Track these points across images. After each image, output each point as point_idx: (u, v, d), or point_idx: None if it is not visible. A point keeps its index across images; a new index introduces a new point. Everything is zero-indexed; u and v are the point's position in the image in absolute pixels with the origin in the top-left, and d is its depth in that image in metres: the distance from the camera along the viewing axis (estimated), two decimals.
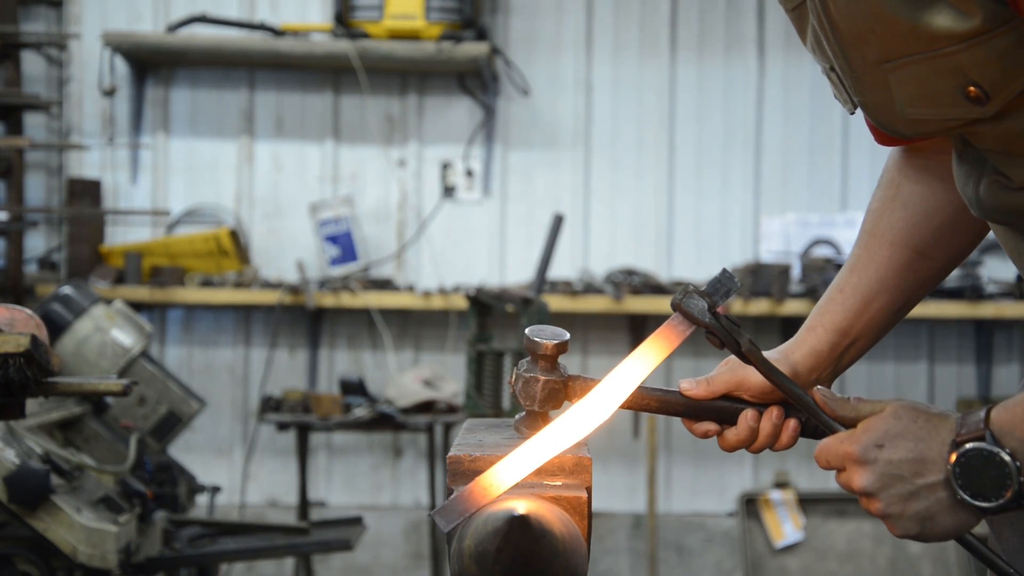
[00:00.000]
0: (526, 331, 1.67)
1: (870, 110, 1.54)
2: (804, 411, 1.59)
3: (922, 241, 1.79)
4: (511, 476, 1.44)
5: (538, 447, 1.46)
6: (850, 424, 1.53)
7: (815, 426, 1.71)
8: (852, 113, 1.61)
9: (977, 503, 1.44)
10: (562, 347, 1.64)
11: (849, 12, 1.42)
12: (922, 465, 1.46)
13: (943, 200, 1.78)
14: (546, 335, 1.64)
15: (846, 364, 1.81)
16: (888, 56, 1.43)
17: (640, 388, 1.62)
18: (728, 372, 1.71)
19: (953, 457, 1.44)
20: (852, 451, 1.50)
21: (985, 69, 1.38)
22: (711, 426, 1.71)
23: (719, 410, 1.71)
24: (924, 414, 1.49)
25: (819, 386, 1.59)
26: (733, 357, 1.69)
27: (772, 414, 1.70)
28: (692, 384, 1.71)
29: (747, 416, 1.69)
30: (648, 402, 1.69)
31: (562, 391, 1.63)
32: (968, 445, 1.43)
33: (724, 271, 1.59)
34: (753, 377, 1.69)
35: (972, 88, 1.39)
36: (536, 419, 1.64)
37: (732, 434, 1.71)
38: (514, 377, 1.66)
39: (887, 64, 1.44)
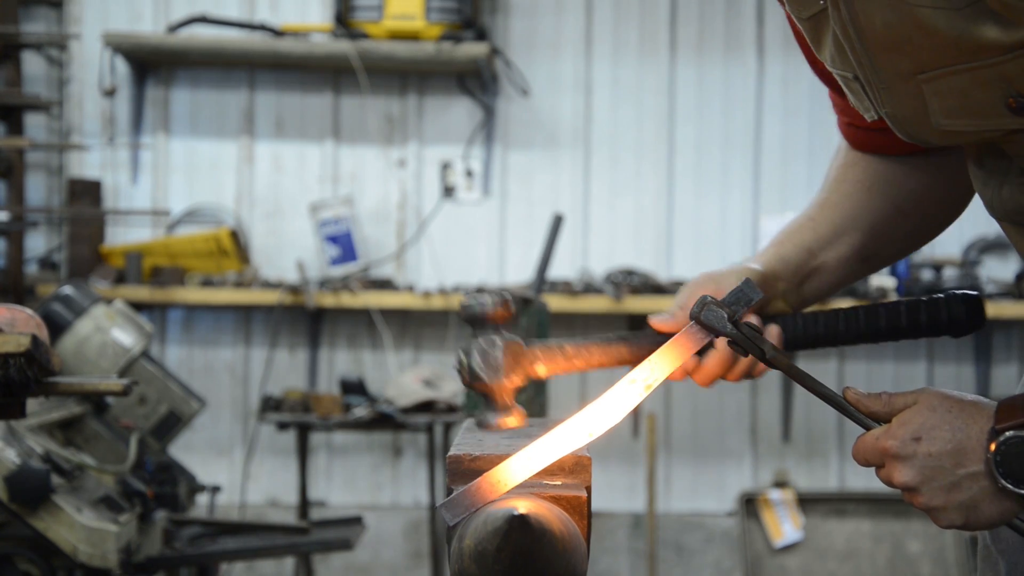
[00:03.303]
0: (461, 302, 1.55)
1: (898, 121, 1.50)
2: (837, 410, 1.56)
3: (899, 195, 1.75)
4: (520, 473, 1.44)
5: (548, 445, 1.46)
6: (884, 419, 1.51)
7: (798, 336, 1.66)
8: (869, 120, 1.59)
9: (1020, 490, 1.42)
10: (507, 306, 1.54)
11: (884, 22, 1.38)
12: (962, 455, 1.44)
13: (915, 168, 1.75)
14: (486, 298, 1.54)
15: (808, 295, 1.75)
16: (924, 67, 1.39)
17: (601, 346, 1.56)
18: (698, 292, 1.64)
19: (993, 446, 1.42)
20: (890, 447, 1.47)
21: None
22: (681, 370, 1.64)
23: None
24: (959, 403, 1.47)
25: (850, 386, 1.56)
26: (703, 273, 1.65)
27: (748, 323, 1.62)
28: (664, 318, 1.64)
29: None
30: (614, 356, 1.59)
31: (524, 355, 1.54)
32: (1008, 433, 1.42)
33: (747, 281, 1.56)
34: (726, 283, 1.64)
35: (1012, 100, 1.37)
36: (503, 398, 1.55)
37: (711, 359, 1.64)
38: (463, 357, 1.53)
39: (922, 75, 1.40)
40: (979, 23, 1.32)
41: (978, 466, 1.43)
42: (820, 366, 5.88)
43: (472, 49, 5.53)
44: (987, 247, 5.76)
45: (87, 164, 5.91)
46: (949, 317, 1.70)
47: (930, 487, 1.46)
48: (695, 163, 5.97)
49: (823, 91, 1.77)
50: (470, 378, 1.54)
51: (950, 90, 1.40)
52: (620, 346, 1.61)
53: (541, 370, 1.59)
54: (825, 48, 1.53)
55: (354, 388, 5.30)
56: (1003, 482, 1.42)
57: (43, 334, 2.64)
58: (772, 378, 5.91)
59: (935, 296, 1.71)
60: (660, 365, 1.53)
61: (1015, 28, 1.31)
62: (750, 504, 5.78)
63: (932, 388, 1.50)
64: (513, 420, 1.51)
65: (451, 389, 5.26)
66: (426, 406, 5.20)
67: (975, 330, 1.72)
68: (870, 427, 1.52)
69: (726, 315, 1.54)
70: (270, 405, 5.23)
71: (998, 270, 5.74)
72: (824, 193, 1.79)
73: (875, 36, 1.41)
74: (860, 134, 1.74)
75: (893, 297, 5.53)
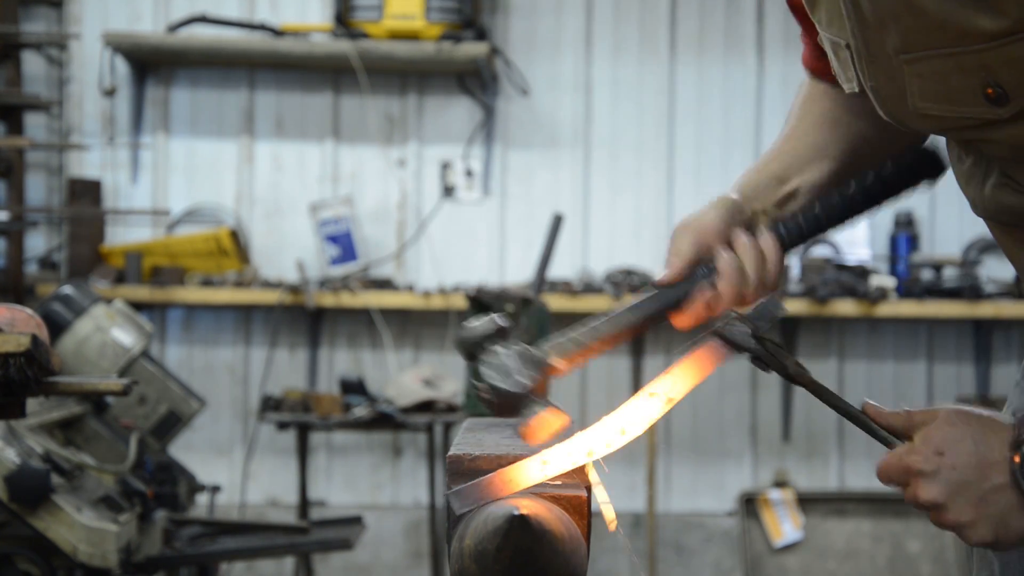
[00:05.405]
0: (457, 335, 1.55)
1: (879, 97, 1.51)
2: (857, 425, 1.54)
3: (864, 126, 1.75)
4: (535, 476, 1.43)
5: (566, 453, 1.45)
6: (903, 435, 1.49)
7: (797, 234, 1.68)
8: (848, 92, 1.59)
9: None
10: (505, 328, 1.57)
11: None
12: (987, 468, 1.41)
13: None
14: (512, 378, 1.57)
15: (788, 209, 1.77)
16: (909, 47, 1.41)
17: (610, 323, 1.59)
18: (684, 235, 1.67)
19: (1017, 458, 1.40)
20: (913, 463, 1.45)
21: (1010, 70, 1.36)
22: (698, 307, 1.67)
23: (696, 280, 1.66)
24: (977, 417, 1.45)
25: (868, 400, 1.54)
26: (686, 217, 1.68)
27: (742, 239, 1.65)
28: (662, 277, 1.67)
29: (725, 258, 1.64)
30: (627, 330, 1.63)
31: (536, 356, 1.57)
32: None
33: (770, 298, 1.55)
34: (708, 222, 1.66)
35: (990, 89, 1.37)
36: (536, 397, 1.57)
37: (723, 284, 1.65)
38: (481, 381, 1.54)
39: (905, 55, 1.41)
40: (966, 8, 1.33)
41: (1004, 478, 1.41)
42: (820, 366, 5.87)
43: (472, 49, 5.53)
44: (987, 247, 5.76)
45: (87, 164, 5.90)
46: (916, 159, 1.72)
47: (957, 503, 1.42)
48: (695, 163, 5.97)
49: None
50: (496, 396, 1.54)
51: (931, 73, 1.41)
52: (628, 317, 1.62)
53: (560, 365, 1.59)
54: (820, 7, 1.54)
55: (354, 388, 5.30)
56: None
57: (43, 334, 2.64)
58: (772, 378, 5.89)
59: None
60: (681, 379, 1.53)
61: (1000, 16, 1.32)
62: (750, 504, 5.78)
63: (949, 405, 1.49)
64: (553, 416, 1.50)
65: (451, 389, 5.26)
66: (426, 406, 5.19)
67: (944, 170, 1.72)
68: (891, 444, 1.50)
69: (749, 330, 1.54)
70: (270, 405, 5.23)
71: (998, 270, 5.74)
72: (789, 126, 1.80)
73: (869, 7, 1.42)
74: (824, 64, 1.75)
75: (894, 297, 5.53)
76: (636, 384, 5.69)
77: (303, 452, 5.29)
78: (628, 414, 1.49)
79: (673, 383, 1.52)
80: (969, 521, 1.43)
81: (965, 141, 1.53)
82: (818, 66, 1.76)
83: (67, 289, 3.68)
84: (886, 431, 1.51)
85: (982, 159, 1.53)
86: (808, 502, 5.78)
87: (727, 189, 1.76)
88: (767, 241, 1.68)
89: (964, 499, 1.42)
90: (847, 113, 1.76)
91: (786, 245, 1.71)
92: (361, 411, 5.13)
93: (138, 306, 5.27)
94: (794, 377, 1.56)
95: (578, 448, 1.46)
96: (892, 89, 1.47)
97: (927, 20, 1.36)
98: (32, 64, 5.89)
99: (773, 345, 1.55)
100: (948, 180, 1.74)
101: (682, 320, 1.68)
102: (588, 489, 1.48)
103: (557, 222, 4.77)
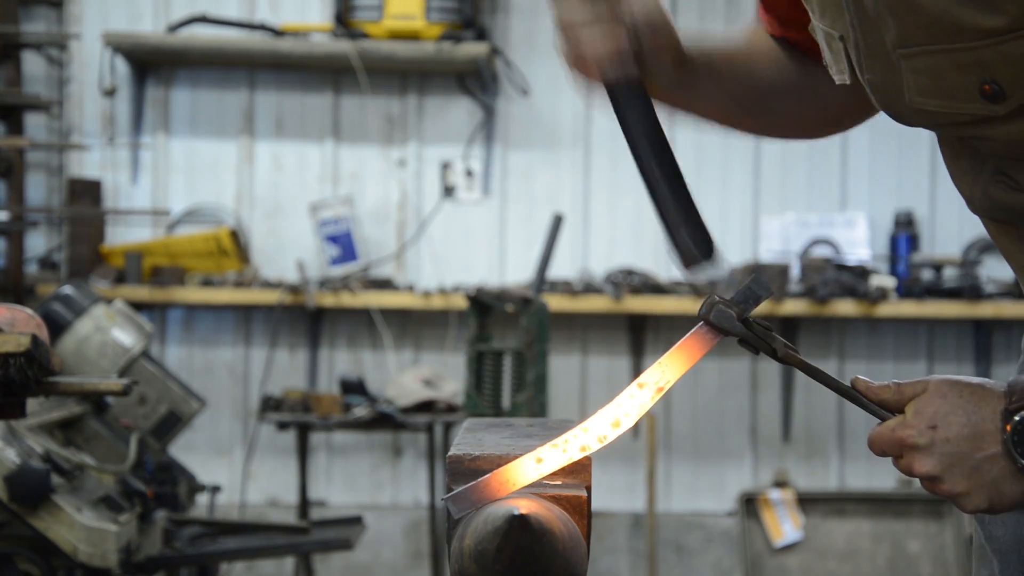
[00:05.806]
0: None
1: (876, 91, 1.51)
2: (850, 401, 1.56)
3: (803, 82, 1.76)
4: (530, 475, 1.43)
5: (559, 449, 1.45)
6: (895, 408, 1.50)
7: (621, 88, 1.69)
8: (839, 83, 1.59)
9: None
10: None
11: None
12: (979, 439, 1.44)
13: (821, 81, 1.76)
14: None
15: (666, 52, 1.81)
16: (906, 42, 1.41)
17: None
18: None
19: (1008, 427, 1.42)
20: (906, 437, 1.47)
21: (1007, 68, 1.36)
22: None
23: None
24: (968, 387, 1.46)
25: (859, 375, 1.56)
26: None
27: None
28: None
29: None
30: None
31: None
32: (1023, 413, 1.42)
33: (755, 277, 1.56)
34: None
35: (987, 86, 1.38)
36: None
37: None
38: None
39: (902, 50, 1.41)
40: (962, 5, 1.33)
41: (996, 448, 1.43)
42: (820, 366, 5.84)
43: (472, 49, 5.53)
44: (987, 247, 5.76)
45: (87, 164, 5.90)
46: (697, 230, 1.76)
47: (951, 474, 1.45)
48: (695, 162, 5.96)
49: None
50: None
51: (927, 69, 1.41)
52: None
53: None
54: (813, 2, 1.55)
55: (354, 388, 5.30)
56: (1022, 462, 1.42)
57: (43, 334, 2.64)
58: (772, 377, 5.91)
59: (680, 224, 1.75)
60: (670, 368, 1.52)
61: (999, 14, 1.32)
62: (750, 504, 5.78)
63: (939, 376, 1.50)
64: None
65: (451, 389, 5.26)
66: (426, 406, 5.20)
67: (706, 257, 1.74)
68: (883, 417, 1.51)
69: (735, 314, 1.54)
70: (270, 405, 5.23)
71: (998, 270, 5.74)
72: (735, 42, 1.84)
73: (868, 1, 1.43)
74: (787, 32, 1.78)
75: (894, 297, 5.53)
76: None
77: (303, 452, 5.29)
78: (619, 407, 1.49)
79: (662, 372, 1.51)
80: (964, 491, 1.45)
81: (960, 138, 1.53)
82: (779, 31, 1.79)
83: (67, 289, 3.68)
84: (877, 405, 1.52)
85: (977, 156, 1.53)
86: (808, 502, 5.77)
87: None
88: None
89: (958, 470, 1.45)
90: (787, 56, 1.80)
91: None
92: (361, 411, 5.13)
93: (138, 306, 5.28)
94: (783, 358, 1.57)
95: (571, 444, 1.46)
96: (889, 83, 1.47)
97: (924, 16, 1.37)
98: (32, 64, 5.89)
99: (760, 327, 1.55)
100: (948, 180, 1.74)
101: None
102: (588, 489, 1.48)
103: (557, 222, 4.77)
